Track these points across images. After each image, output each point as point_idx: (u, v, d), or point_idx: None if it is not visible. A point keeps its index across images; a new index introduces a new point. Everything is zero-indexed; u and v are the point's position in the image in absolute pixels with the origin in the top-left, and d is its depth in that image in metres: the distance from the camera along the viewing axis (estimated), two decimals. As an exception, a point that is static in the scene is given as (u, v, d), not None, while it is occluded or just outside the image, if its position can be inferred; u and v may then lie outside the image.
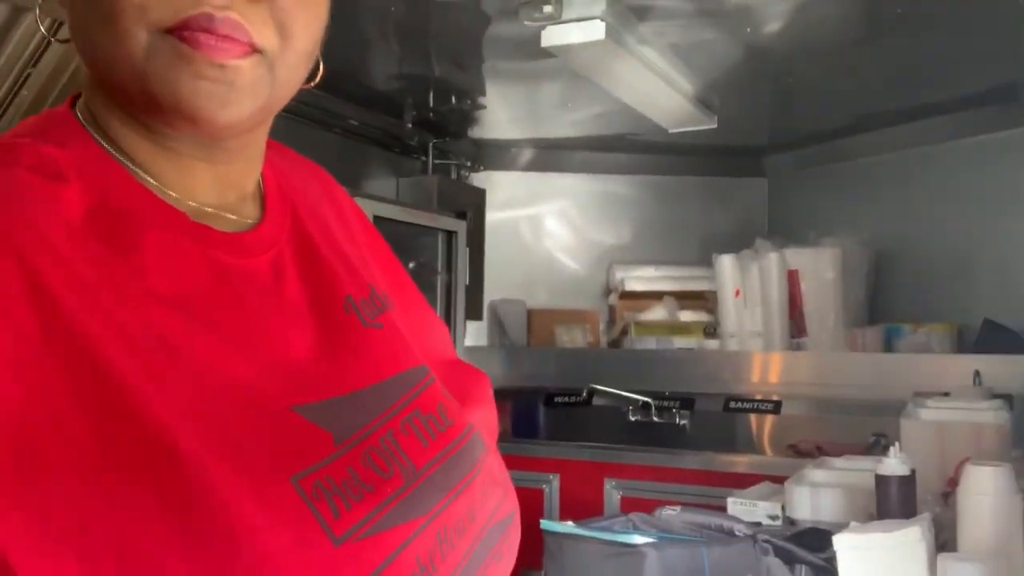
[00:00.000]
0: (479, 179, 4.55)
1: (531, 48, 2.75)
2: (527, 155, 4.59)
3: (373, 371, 0.70)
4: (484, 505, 0.73)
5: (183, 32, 0.59)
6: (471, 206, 4.26)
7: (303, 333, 0.68)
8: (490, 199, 4.42)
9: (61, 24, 0.67)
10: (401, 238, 3.48)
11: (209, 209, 0.67)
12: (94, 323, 0.56)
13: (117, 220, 0.61)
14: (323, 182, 0.84)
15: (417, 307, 0.88)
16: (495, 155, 4.56)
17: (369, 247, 0.83)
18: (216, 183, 0.68)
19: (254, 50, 0.61)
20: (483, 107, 3.89)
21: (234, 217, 0.69)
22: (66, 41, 0.66)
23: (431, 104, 3.85)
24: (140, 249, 0.61)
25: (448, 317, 3.70)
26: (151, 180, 0.65)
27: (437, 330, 0.91)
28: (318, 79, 0.72)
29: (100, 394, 0.54)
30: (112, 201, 0.62)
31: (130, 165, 0.64)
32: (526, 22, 2.62)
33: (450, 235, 3.72)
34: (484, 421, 0.83)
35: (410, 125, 4.06)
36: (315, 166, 0.86)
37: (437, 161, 4.31)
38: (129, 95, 0.62)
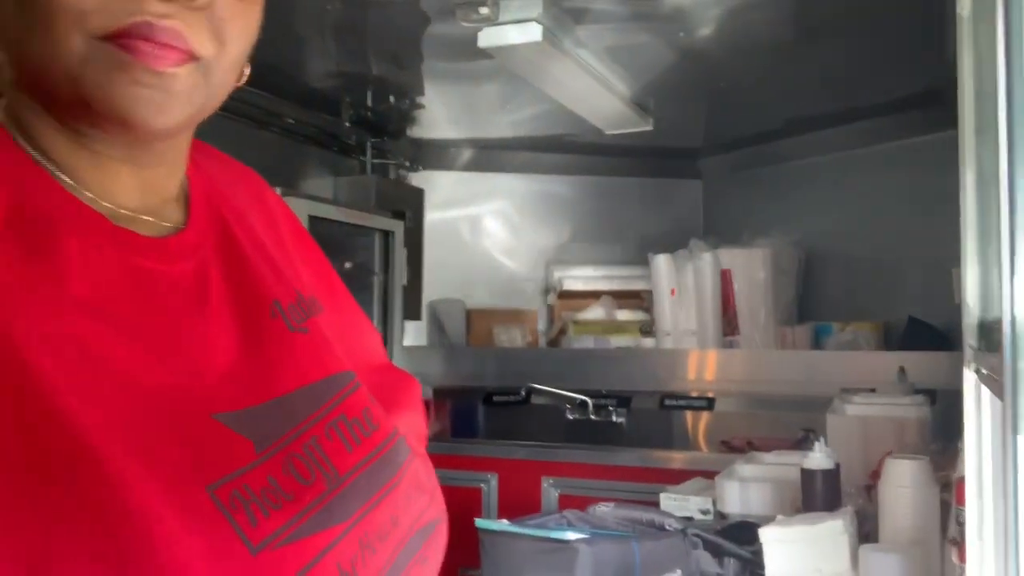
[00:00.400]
0: (418, 179, 4.54)
1: (469, 48, 2.76)
2: (466, 155, 4.60)
3: (298, 375, 0.70)
4: (407, 510, 0.73)
5: (121, 40, 0.59)
6: (409, 206, 4.25)
7: (227, 339, 0.68)
8: (429, 199, 4.42)
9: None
10: (338, 238, 3.46)
11: (131, 213, 0.67)
12: (16, 328, 0.56)
13: (36, 224, 0.60)
14: (253, 185, 0.85)
15: (348, 311, 0.88)
16: (434, 155, 4.56)
17: (299, 251, 0.84)
18: (139, 186, 0.68)
19: (191, 58, 0.62)
20: (422, 106, 3.89)
21: (156, 221, 0.69)
22: None
23: (369, 103, 3.84)
24: (60, 254, 0.60)
25: (386, 317, 3.69)
26: (72, 183, 0.64)
27: (368, 335, 0.91)
28: (243, 80, 0.72)
29: (20, 400, 0.54)
30: (31, 205, 0.61)
31: (51, 168, 0.64)
32: (463, 23, 2.63)
33: (388, 235, 3.71)
34: (412, 426, 0.84)
35: (348, 124, 4.03)
36: (245, 168, 0.86)
37: (375, 160, 4.30)
38: (59, 98, 0.62)
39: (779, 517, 1.70)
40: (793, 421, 3.30)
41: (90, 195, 0.65)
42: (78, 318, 0.59)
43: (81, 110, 0.62)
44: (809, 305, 4.12)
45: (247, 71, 0.72)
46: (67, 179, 0.64)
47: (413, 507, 0.74)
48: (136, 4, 0.59)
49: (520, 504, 3.35)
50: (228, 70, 0.67)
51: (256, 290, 0.72)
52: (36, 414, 0.54)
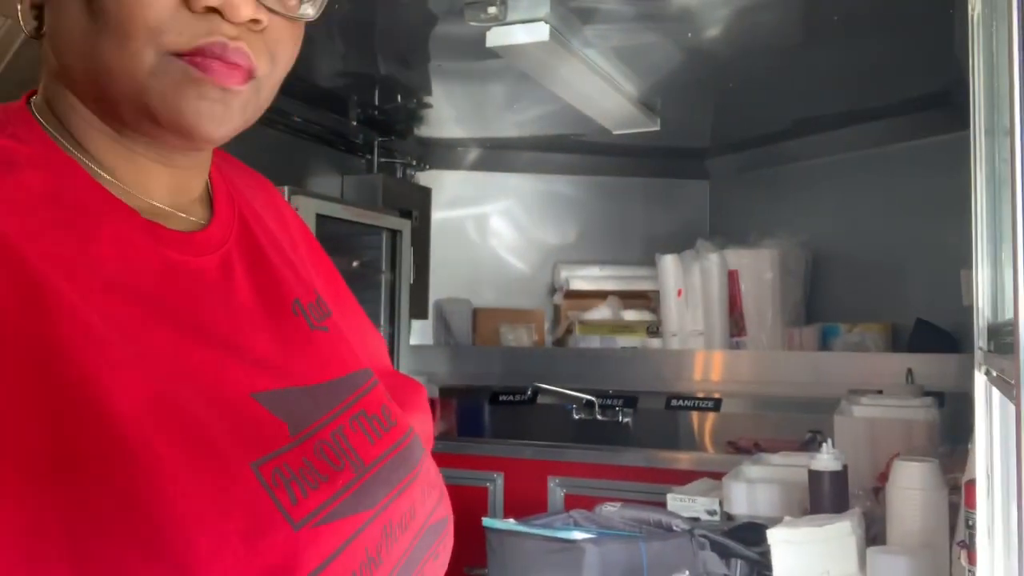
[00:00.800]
0: (425, 178, 4.54)
1: (477, 48, 2.76)
2: (473, 154, 4.60)
3: (321, 370, 0.74)
4: (423, 504, 0.76)
5: (195, 58, 0.65)
6: (416, 205, 4.25)
7: (254, 329, 0.71)
8: (435, 198, 4.41)
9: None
10: (346, 237, 3.46)
11: (161, 207, 0.71)
12: (53, 304, 0.58)
13: (74, 211, 0.64)
14: (267, 192, 0.89)
15: (354, 317, 0.91)
16: (441, 154, 4.56)
17: (310, 257, 0.87)
18: (170, 185, 0.72)
19: (252, 76, 0.68)
20: (429, 106, 3.89)
21: (185, 216, 0.73)
22: (38, 36, 0.70)
23: (376, 102, 3.84)
24: (98, 240, 0.64)
25: (392, 316, 3.69)
26: (107, 176, 0.68)
27: (373, 340, 0.94)
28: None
29: (60, 386, 0.56)
30: (68, 194, 0.65)
31: (86, 161, 0.68)
32: (471, 23, 2.63)
33: (395, 234, 3.71)
34: (421, 428, 0.85)
35: (355, 123, 4.04)
36: (260, 176, 0.91)
37: (382, 159, 4.30)
38: (119, 107, 0.66)
39: (786, 518, 1.69)
40: (800, 422, 3.30)
41: (123, 188, 0.69)
42: (116, 301, 0.62)
43: (143, 118, 0.66)
44: (816, 306, 4.11)
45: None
46: (101, 172, 0.68)
47: (428, 502, 0.77)
48: (211, 26, 0.64)
49: (526, 504, 3.35)
50: (274, 86, 0.72)
51: (279, 288, 0.76)
52: (75, 400, 0.56)
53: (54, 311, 0.58)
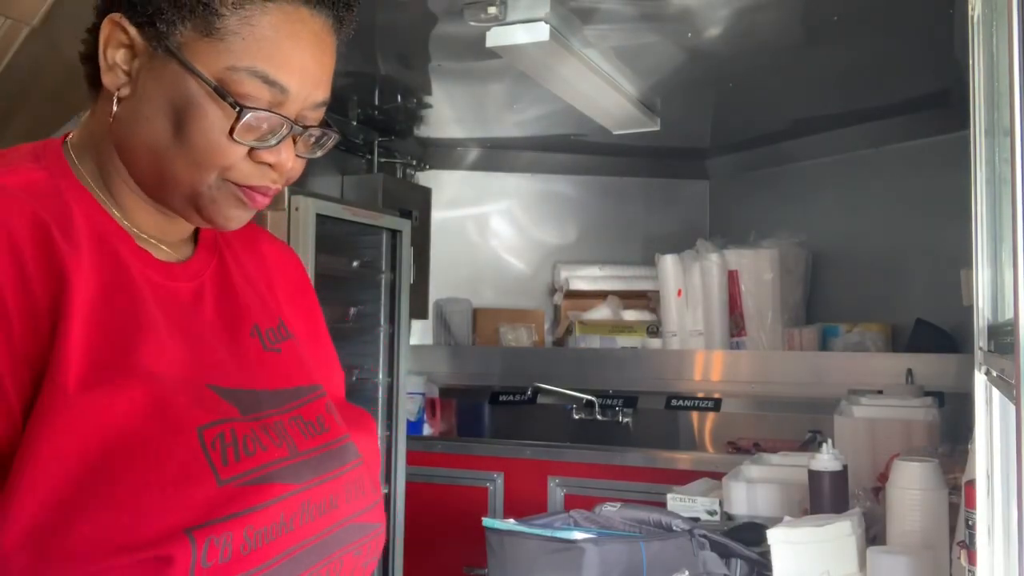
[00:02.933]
0: (425, 178, 4.54)
1: (477, 48, 2.76)
2: (473, 155, 4.60)
3: (268, 380, 0.92)
4: (349, 502, 0.91)
5: (246, 189, 0.89)
6: (416, 205, 4.25)
7: (215, 341, 0.90)
8: (435, 198, 4.42)
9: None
10: (346, 237, 3.46)
11: (150, 239, 0.91)
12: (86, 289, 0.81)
13: (98, 237, 0.85)
14: (260, 244, 1.08)
15: (321, 350, 1.09)
16: (441, 154, 4.56)
17: (290, 298, 1.07)
18: (165, 228, 0.93)
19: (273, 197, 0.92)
20: (429, 106, 3.89)
21: (169, 251, 0.93)
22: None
23: (377, 102, 3.84)
24: (118, 255, 0.86)
25: (392, 316, 3.69)
26: (115, 212, 0.89)
27: (335, 373, 1.11)
28: None
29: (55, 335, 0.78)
30: (81, 218, 0.85)
31: (103, 197, 0.89)
32: (471, 23, 2.63)
33: (395, 234, 3.71)
34: (366, 446, 1.02)
35: (355, 123, 4.04)
36: (260, 231, 1.12)
37: (382, 159, 4.30)
38: (166, 193, 0.89)
39: (786, 518, 1.69)
40: (800, 422, 3.30)
41: (126, 220, 0.90)
42: (110, 291, 0.83)
43: (181, 205, 0.90)
44: (816, 306, 4.11)
45: None
46: (113, 207, 0.90)
47: (355, 502, 0.92)
48: (264, 173, 0.88)
49: (526, 504, 3.35)
50: None
51: (241, 315, 0.95)
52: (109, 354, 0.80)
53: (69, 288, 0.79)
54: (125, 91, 0.87)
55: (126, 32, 0.86)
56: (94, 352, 0.78)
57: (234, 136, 0.84)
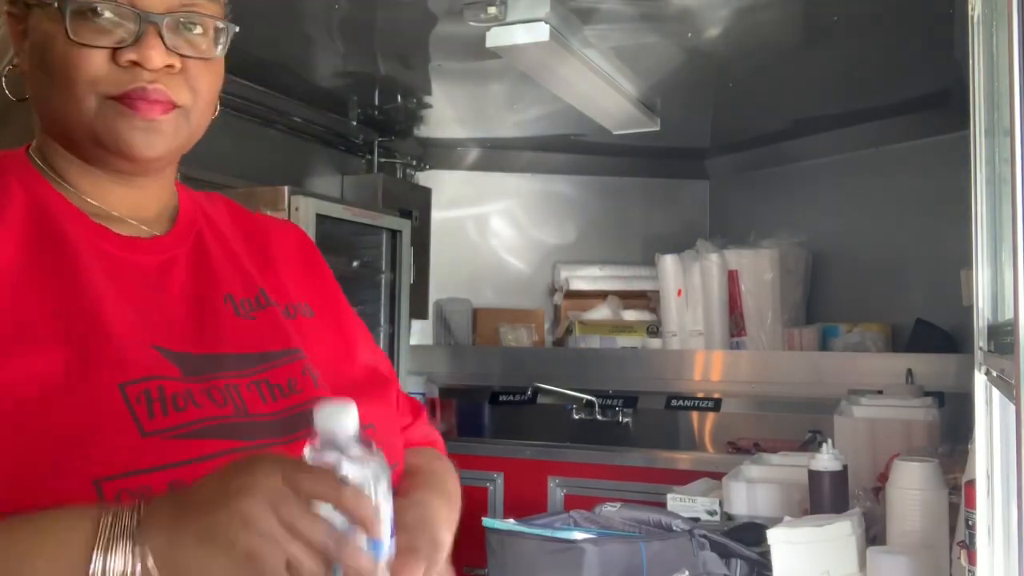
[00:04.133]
0: (424, 178, 4.54)
1: (477, 48, 2.76)
2: (473, 155, 4.60)
3: (234, 345, 0.92)
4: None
5: (124, 99, 0.86)
6: (416, 205, 4.25)
7: (175, 309, 0.91)
8: (435, 198, 4.41)
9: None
10: (345, 237, 3.46)
11: (117, 215, 0.93)
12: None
13: (45, 217, 0.88)
14: (265, 229, 1.09)
15: (340, 326, 1.08)
16: (441, 154, 4.56)
17: (292, 271, 1.07)
18: (130, 202, 0.95)
19: (174, 107, 0.89)
20: (429, 106, 3.89)
21: (137, 225, 0.94)
22: (25, 100, 0.94)
23: (376, 102, 3.84)
24: (64, 235, 0.88)
25: (392, 316, 3.69)
26: (72, 191, 0.92)
27: (357, 347, 1.09)
28: (216, 113, 0.98)
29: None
30: (41, 201, 0.89)
31: (60, 181, 0.92)
32: (471, 23, 2.63)
33: (395, 234, 3.71)
34: (379, 418, 1.00)
35: (355, 123, 4.04)
36: (275, 224, 1.14)
37: (382, 159, 4.30)
38: (76, 139, 0.90)
39: (786, 518, 1.69)
40: (800, 422, 3.30)
41: (85, 200, 0.92)
42: (70, 269, 0.86)
43: (96, 147, 0.89)
44: (816, 306, 4.11)
45: (218, 107, 0.98)
46: (70, 189, 0.92)
47: None
48: (133, 75, 0.86)
49: (526, 504, 3.35)
50: (203, 112, 0.93)
51: (214, 285, 0.96)
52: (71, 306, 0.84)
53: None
54: (24, 67, 0.91)
55: (14, 15, 0.92)
56: (8, 315, 0.80)
57: (71, 36, 0.84)
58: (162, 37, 0.87)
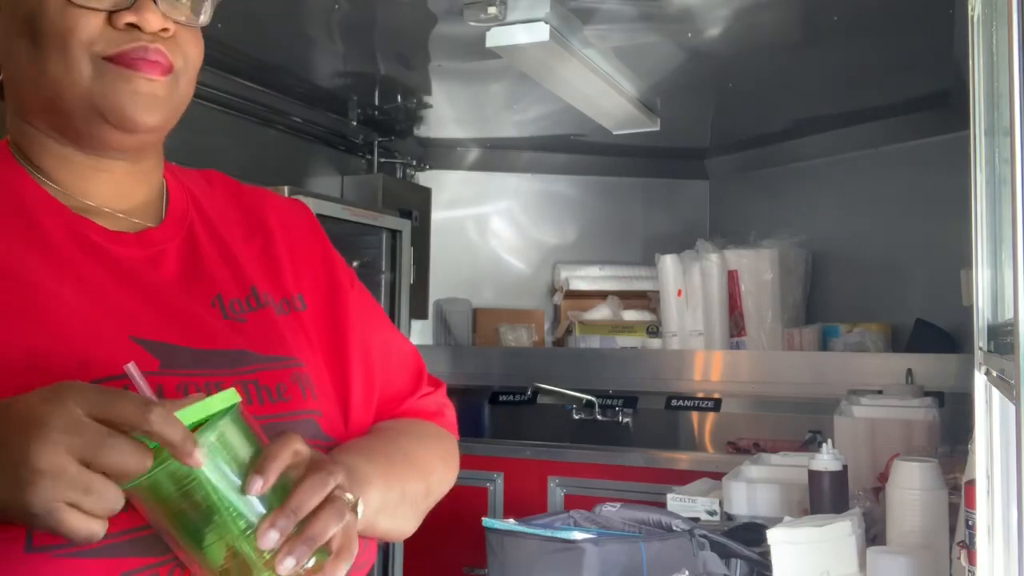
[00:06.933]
0: (424, 178, 4.54)
1: (477, 48, 2.76)
2: (473, 155, 4.60)
3: (220, 343, 0.90)
4: None
5: (124, 59, 0.85)
6: (416, 205, 4.25)
7: (160, 302, 0.89)
8: (435, 198, 4.42)
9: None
10: (345, 237, 3.46)
11: (98, 207, 0.91)
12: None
13: (23, 210, 0.87)
14: (259, 206, 1.07)
15: (336, 320, 1.04)
16: (441, 154, 4.57)
17: (294, 258, 1.04)
18: (112, 191, 0.93)
19: (171, 70, 0.88)
20: (429, 106, 3.89)
21: (127, 218, 0.93)
22: None
23: (376, 102, 3.84)
24: (40, 228, 0.86)
25: (392, 315, 3.69)
26: (52, 184, 0.90)
27: (395, 354, 1.10)
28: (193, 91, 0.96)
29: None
30: (18, 197, 0.88)
31: (40, 177, 0.90)
32: (471, 23, 2.63)
33: (395, 234, 3.71)
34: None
35: (355, 123, 4.04)
36: (265, 193, 1.11)
37: (382, 159, 4.30)
38: (66, 110, 0.87)
39: (787, 518, 1.69)
40: (800, 422, 3.30)
41: (65, 193, 0.90)
42: (41, 261, 0.85)
43: (84, 114, 0.86)
44: (816, 306, 4.11)
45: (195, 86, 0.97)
46: (48, 181, 0.90)
47: None
48: (132, 35, 0.85)
49: (526, 504, 3.35)
50: (190, 81, 0.93)
51: (203, 284, 0.94)
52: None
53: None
54: None
55: None
56: None
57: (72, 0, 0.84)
58: (155, 2, 0.87)
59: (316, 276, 1.05)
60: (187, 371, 0.85)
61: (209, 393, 0.76)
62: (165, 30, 0.87)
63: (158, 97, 0.88)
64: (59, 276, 0.84)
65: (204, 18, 0.92)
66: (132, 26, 0.86)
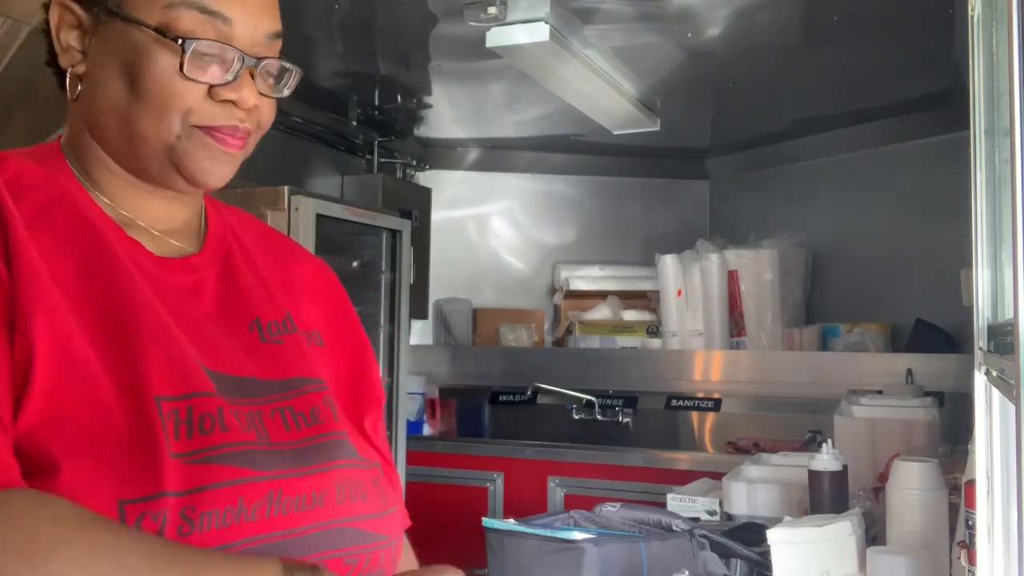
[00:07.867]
0: (424, 178, 4.55)
1: (477, 48, 2.76)
2: (472, 155, 4.60)
3: (257, 370, 0.92)
4: (340, 503, 0.89)
5: (213, 131, 0.90)
6: (416, 205, 4.25)
7: (206, 330, 0.91)
8: (435, 198, 4.42)
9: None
10: (345, 237, 3.46)
11: (148, 228, 0.94)
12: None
13: (87, 220, 0.89)
14: (294, 263, 1.10)
15: (344, 346, 1.08)
16: (441, 154, 4.57)
17: (311, 303, 1.07)
18: (161, 214, 0.96)
19: (247, 137, 0.94)
20: (429, 106, 3.89)
21: (170, 240, 0.96)
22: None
23: (376, 102, 3.84)
24: (105, 239, 0.88)
25: (392, 316, 3.69)
26: (106, 200, 0.93)
27: (361, 371, 1.09)
28: None
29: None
30: (79, 209, 0.89)
31: (91, 187, 0.93)
32: (471, 23, 2.63)
33: (395, 234, 3.71)
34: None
35: (355, 123, 4.04)
36: (288, 241, 1.17)
37: (382, 159, 4.30)
38: (141, 152, 0.90)
39: (787, 518, 1.69)
40: (800, 422, 3.30)
41: (115, 207, 0.93)
42: (105, 277, 0.87)
43: (159, 161, 0.91)
44: (816, 306, 4.11)
45: None
46: (103, 197, 0.93)
47: (350, 505, 0.90)
48: (227, 111, 0.90)
49: (526, 504, 3.35)
50: (257, 140, 0.97)
51: (243, 308, 0.97)
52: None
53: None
54: (80, 67, 0.91)
55: (72, 11, 0.90)
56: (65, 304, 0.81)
57: (185, 72, 0.87)
58: (253, 78, 0.91)
59: (333, 327, 1.09)
60: (237, 399, 0.87)
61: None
62: (257, 106, 0.92)
63: (233, 164, 0.93)
64: (135, 286, 0.87)
65: (288, 91, 0.97)
66: (229, 100, 0.90)
